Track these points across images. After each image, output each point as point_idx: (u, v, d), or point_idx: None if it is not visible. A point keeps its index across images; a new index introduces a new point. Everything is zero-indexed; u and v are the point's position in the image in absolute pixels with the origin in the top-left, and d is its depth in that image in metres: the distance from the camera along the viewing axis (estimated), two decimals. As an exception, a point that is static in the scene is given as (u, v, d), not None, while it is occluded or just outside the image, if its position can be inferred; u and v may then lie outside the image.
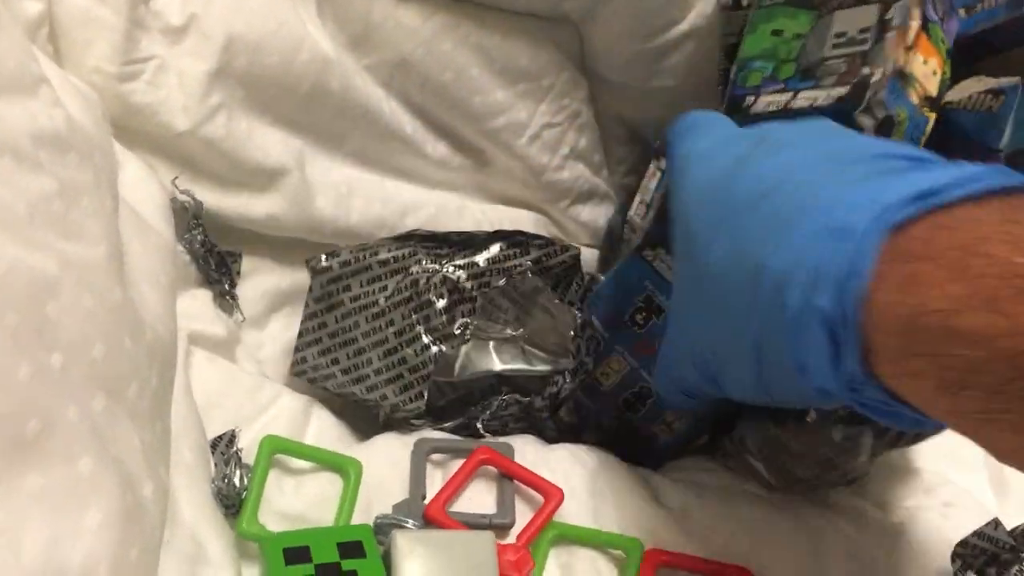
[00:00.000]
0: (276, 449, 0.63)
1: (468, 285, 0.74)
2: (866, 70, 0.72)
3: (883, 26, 0.74)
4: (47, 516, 0.41)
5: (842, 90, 0.71)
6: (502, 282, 0.73)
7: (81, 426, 0.45)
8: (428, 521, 0.63)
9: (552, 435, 0.75)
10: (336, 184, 0.79)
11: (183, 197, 0.71)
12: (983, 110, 0.80)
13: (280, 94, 0.74)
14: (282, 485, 0.63)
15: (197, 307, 0.70)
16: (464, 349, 0.71)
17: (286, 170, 0.75)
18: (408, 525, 0.62)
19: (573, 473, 0.69)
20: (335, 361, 0.73)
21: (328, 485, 0.64)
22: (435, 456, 0.69)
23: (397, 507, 0.64)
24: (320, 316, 0.74)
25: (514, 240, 0.77)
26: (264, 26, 0.72)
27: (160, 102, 0.69)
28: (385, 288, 0.73)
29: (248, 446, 0.64)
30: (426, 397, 0.71)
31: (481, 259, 0.75)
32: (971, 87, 0.81)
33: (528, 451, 0.70)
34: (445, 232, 0.78)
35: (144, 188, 0.66)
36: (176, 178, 0.71)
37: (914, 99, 0.75)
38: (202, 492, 0.58)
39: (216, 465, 0.62)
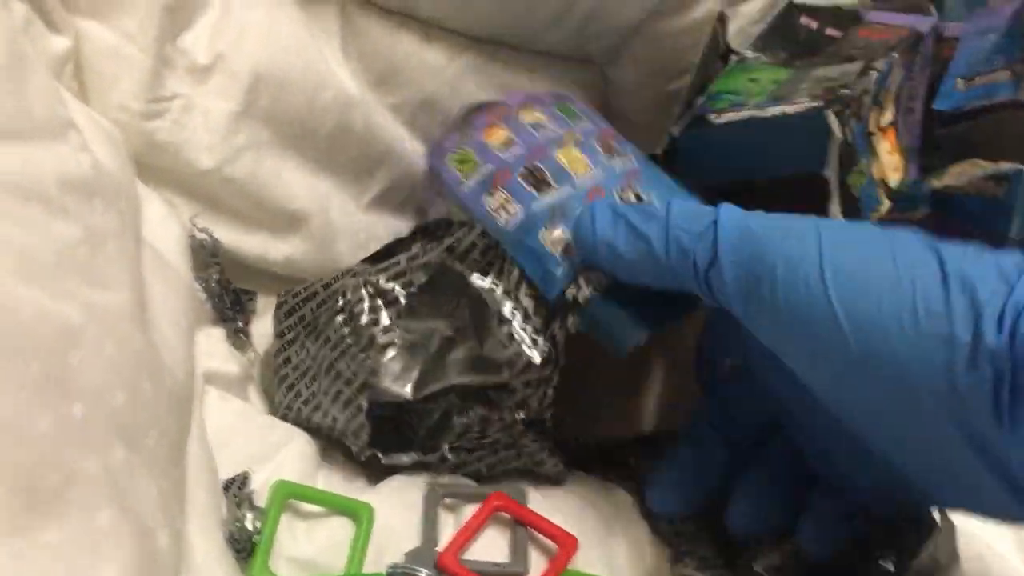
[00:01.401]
0: (288, 494, 0.63)
1: (389, 287, 0.69)
2: (844, 91, 0.72)
3: (866, 70, 0.75)
4: (64, 572, 0.41)
5: (817, 103, 0.71)
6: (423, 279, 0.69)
7: (100, 478, 0.45)
8: (441, 570, 0.63)
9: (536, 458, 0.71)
10: (356, 230, 0.78)
11: (201, 235, 0.71)
12: (987, 196, 0.80)
13: (304, 134, 0.74)
14: (294, 530, 0.63)
15: (212, 345, 0.70)
16: (392, 356, 0.67)
17: (309, 214, 0.75)
18: (421, 574, 0.61)
19: (586, 517, 0.69)
20: (298, 394, 0.70)
21: (339, 530, 0.64)
22: (448, 501, 0.68)
23: (410, 555, 0.63)
24: (283, 352, 0.72)
25: (434, 233, 0.73)
26: (291, 65, 0.72)
27: (185, 141, 0.69)
28: (326, 309, 0.71)
29: (260, 487, 0.64)
30: (364, 409, 0.66)
31: (403, 258, 0.71)
32: (968, 172, 0.80)
33: (540, 495, 0.70)
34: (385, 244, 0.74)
35: (165, 227, 0.66)
36: (195, 216, 0.71)
37: (875, 172, 0.75)
38: (215, 536, 0.58)
39: (228, 508, 0.62)
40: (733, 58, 0.86)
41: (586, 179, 0.69)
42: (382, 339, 0.68)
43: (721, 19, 0.84)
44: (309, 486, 0.65)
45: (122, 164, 0.60)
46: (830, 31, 0.86)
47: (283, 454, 0.68)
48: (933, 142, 0.87)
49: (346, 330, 0.68)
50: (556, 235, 0.67)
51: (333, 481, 0.70)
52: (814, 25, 0.87)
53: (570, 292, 0.65)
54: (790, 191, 0.74)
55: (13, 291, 0.43)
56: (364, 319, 0.68)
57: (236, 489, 0.63)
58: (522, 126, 0.73)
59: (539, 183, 0.69)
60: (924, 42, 0.83)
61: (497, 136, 0.72)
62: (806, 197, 0.72)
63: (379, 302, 0.69)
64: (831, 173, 0.70)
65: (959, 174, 0.83)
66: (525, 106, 0.74)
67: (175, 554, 0.51)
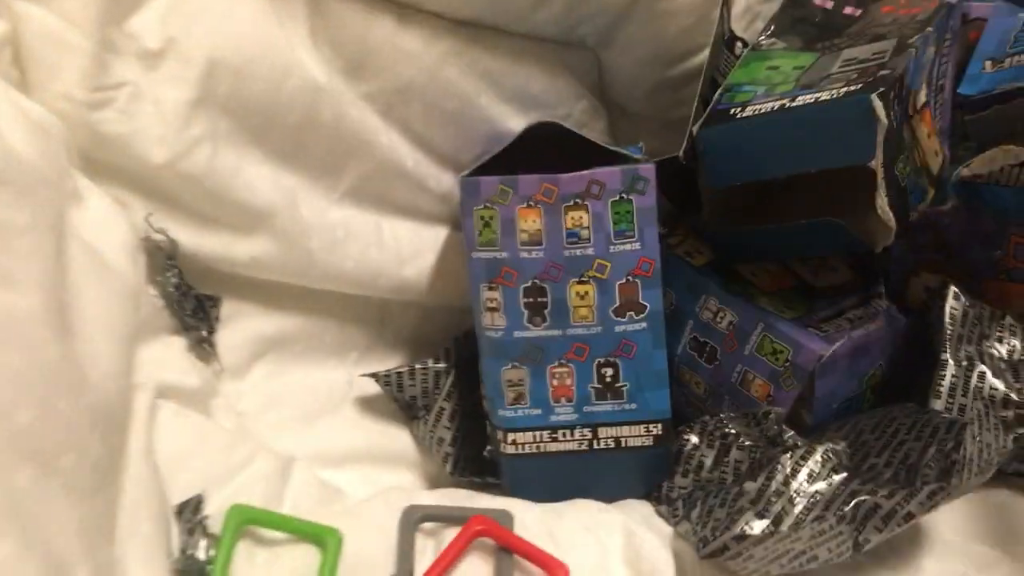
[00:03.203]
0: (245, 520, 0.56)
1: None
2: (884, 72, 0.65)
3: (902, 47, 0.68)
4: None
5: (854, 87, 0.65)
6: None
7: (1, 505, 0.39)
8: (415, 603, 0.56)
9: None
10: (331, 226, 0.72)
11: (157, 236, 0.65)
12: (1019, 185, 0.73)
13: (267, 125, 0.68)
14: (253, 558, 0.57)
15: (169, 356, 0.64)
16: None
17: (275, 210, 0.69)
18: (392, 608, 0.55)
19: (581, 545, 0.62)
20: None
21: (305, 558, 0.58)
22: (427, 525, 0.62)
23: (381, 586, 0.57)
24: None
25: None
26: (249, 50, 0.66)
27: (134, 132, 0.63)
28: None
29: (216, 512, 0.58)
30: None
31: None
32: (999, 159, 0.74)
33: (530, 520, 0.64)
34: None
35: (109, 227, 0.60)
36: (150, 215, 0.65)
37: (916, 160, 0.69)
38: (159, 569, 0.52)
39: (180, 535, 0.56)
40: (738, 45, 0.80)
41: (580, 330, 0.69)
42: None
43: (726, 2, 0.78)
44: (268, 510, 0.59)
45: (46, 153, 0.54)
46: (848, 9, 0.79)
47: (246, 474, 0.62)
48: (959, 129, 0.81)
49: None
50: (516, 376, 0.69)
51: (302, 503, 0.63)
52: (829, 4, 0.81)
53: None
54: (831, 187, 0.68)
55: None
56: None
57: (189, 514, 0.57)
58: (559, 229, 0.68)
59: (534, 311, 0.68)
60: (953, 14, 0.77)
61: (529, 222, 0.68)
62: (853, 192, 0.65)
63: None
64: (878, 163, 0.63)
65: (988, 161, 0.76)
66: (575, 203, 0.68)
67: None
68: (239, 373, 0.72)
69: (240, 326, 0.72)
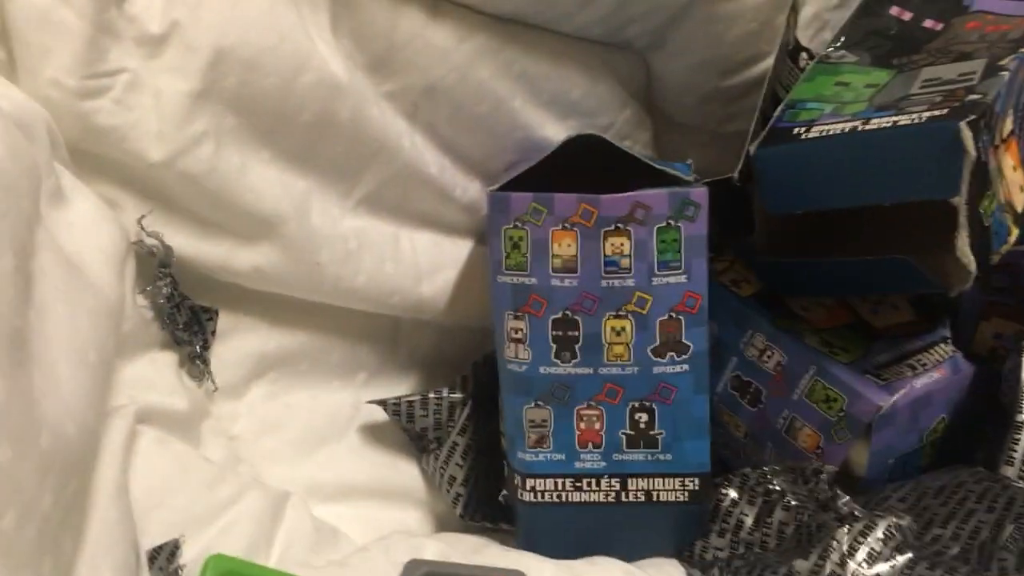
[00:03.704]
0: (225, 572, 0.50)
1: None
2: (974, 97, 0.58)
3: (993, 70, 0.61)
4: None
5: (938, 112, 0.58)
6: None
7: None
8: (411, 676, 0.50)
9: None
10: (344, 237, 0.66)
11: (150, 241, 0.59)
12: None
13: (278, 123, 0.62)
14: (232, 616, 0.50)
15: (155, 374, 0.58)
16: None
17: (283, 218, 0.62)
18: None
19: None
20: None
21: (290, 617, 0.51)
22: (430, 582, 0.56)
23: (373, 654, 0.51)
24: None
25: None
26: (262, 40, 0.60)
27: (130, 125, 0.57)
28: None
29: (195, 559, 0.51)
30: None
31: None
32: None
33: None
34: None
35: (94, 232, 0.54)
36: (143, 217, 0.59)
37: (1001, 196, 0.61)
38: (121, 629, 0.46)
39: (152, 585, 0.50)
40: (803, 56, 0.72)
41: (613, 369, 0.62)
42: None
43: (794, 8, 0.71)
44: (251, 563, 0.52)
45: (22, 155, 0.47)
46: (928, 22, 0.72)
47: (232, 513, 0.56)
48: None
49: None
50: (539, 416, 0.63)
51: (295, 549, 0.57)
52: (907, 16, 0.73)
53: None
54: (906, 221, 0.61)
55: None
56: None
57: (163, 562, 0.51)
58: (596, 256, 0.61)
59: (563, 345, 0.62)
60: None
61: (563, 246, 0.61)
62: (928, 228, 0.58)
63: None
64: (961, 200, 0.56)
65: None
66: (616, 228, 0.61)
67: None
68: (235, 393, 0.66)
69: (238, 342, 0.66)
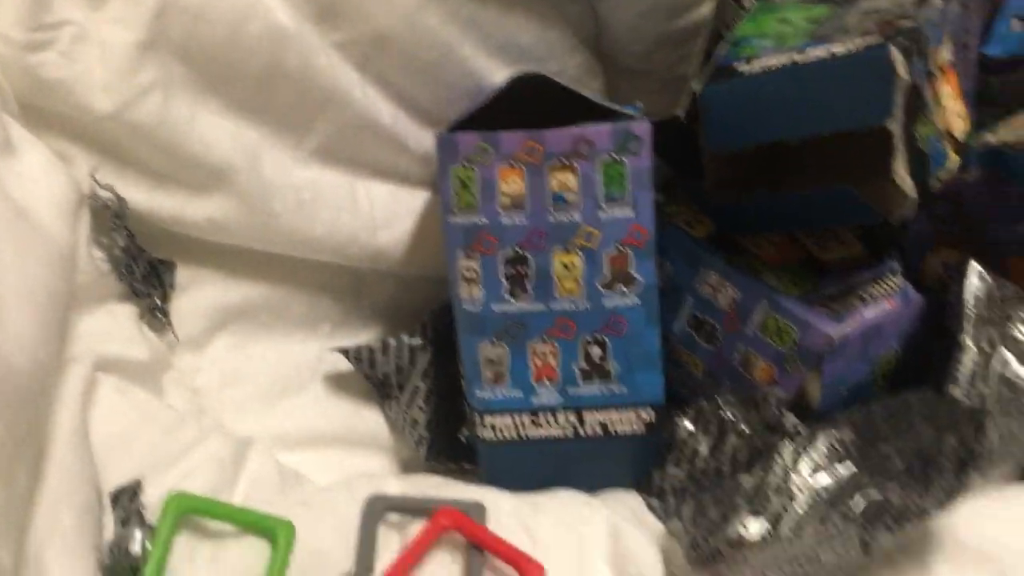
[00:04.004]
0: (186, 509, 0.51)
1: None
2: (904, 23, 0.59)
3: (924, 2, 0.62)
4: None
5: (871, 39, 0.59)
6: None
7: None
8: (373, 604, 0.51)
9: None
10: (297, 187, 0.66)
11: (103, 193, 0.59)
12: None
13: (226, 73, 0.62)
14: (194, 553, 0.51)
15: (114, 325, 0.59)
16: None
17: (234, 168, 0.63)
18: (346, 612, 0.49)
19: (561, 543, 0.57)
20: None
21: (253, 553, 0.52)
22: (392, 517, 0.56)
23: (336, 585, 0.52)
24: None
25: None
26: (209, -11, 0.60)
27: (76, 78, 0.58)
28: None
29: (156, 501, 0.52)
30: None
31: None
32: None
33: (505, 512, 0.58)
34: None
35: (44, 181, 0.54)
36: (95, 170, 0.59)
37: (938, 121, 0.63)
38: (83, 566, 0.46)
39: (114, 526, 0.50)
40: None
41: (565, 304, 0.63)
42: None
43: None
44: (212, 499, 0.53)
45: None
46: None
47: (194, 457, 0.56)
48: (986, 92, 0.75)
49: None
50: (494, 354, 0.64)
51: (258, 491, 0.58)
52: None
53: None
54: (845, 153, 0.62)
55: None
56: None
57: (124, 503, 0.52)
58: (543, 192, 0.62)
59: (515, 282, 0.63)
60: None
61: (511, 184, 0.62)
62: (867, 158, 0.59)
63: None
64: (896, 124, 0.57)
65: (1016, 127, 0.71)
66: (561, 163, 0.62)
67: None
68: (197, 346, 0.66)
69: (198, 294, 0.66)
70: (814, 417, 0.65)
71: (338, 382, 0.72)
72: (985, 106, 0.74)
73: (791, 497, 0.54)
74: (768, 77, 0.61)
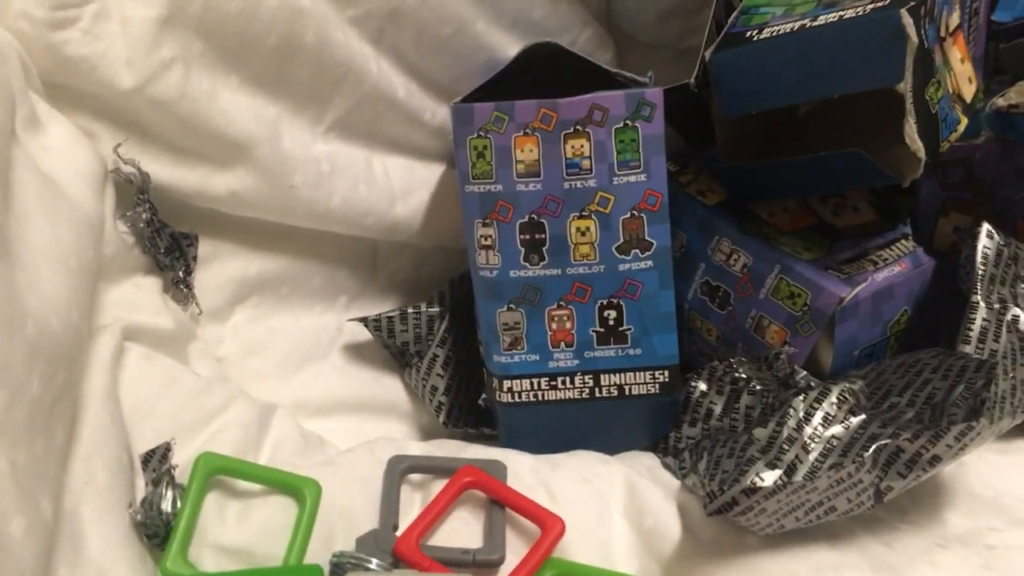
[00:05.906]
0: (215, 469, 0.52)
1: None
2: None
3: None
4: None
5: (881, 3, 0.60)
6: None
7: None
8: (398, 559, 0.52)
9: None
10: (316, 160, 0.68)
11: (127, 168, 0.61)
12: None
13: (244, 48, 0.63)
14: (224, 512, 0.53)
15: (140, 297, 0.60)
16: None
17: (255, 142, 0.64)
18: (372, 566, 0.51)
19: (580, 498, 0.58)
20: None
21: (280, 512, 0.53)
22: (414, 477, 0.58)
23: (361, 541, 0.53)
24: None
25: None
26: (225, -36, 0.61)
27: (99, 55, 0.59)
28: None
29: (186, 461, 0.54)
30: None
31: None
32: None
33: (524, 471, 0.59)
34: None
35: (70, 155, 0.55)
36: (119, 145, 0.60)
37: (948, 87, 0.63)
38: (117, 521, 0.48)
39: (145, 486, 0.52)
40: None
41: (580, 268, 0.64)
42: None
43: None
44: (241, 459, 0.54)
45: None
46: None
47: (220, 421, 0.58)
48: (993, 58, 0.75)
49: None
50: (512, 319, 0.65)
51: (282, 454, 0.59)
52: None
53: None
54: (855, 117, 0.63)
55: None
56: None
57: (155, 464, 0.53)
58: (557, 158, 0.63)
59: (531, 248, 0.64)
60: None
61: (526, 152, 0.63)
62: (878, 121, 0.60)
63: None
64: (906, 86, 0.58)
65: (1024, 91, 0.71)
66: (575, 131, 0.63)
67: (36, 545, 0.41)
68: (219, 317, 0.68)
69: (220, 267, 0.67)
70: (827, 380, 0.66)
71: (358, 351, 0.74)
72: (994, 73, 0.75)
73: (805, 448, 0.55)
74: (779, 41, 0.62)
